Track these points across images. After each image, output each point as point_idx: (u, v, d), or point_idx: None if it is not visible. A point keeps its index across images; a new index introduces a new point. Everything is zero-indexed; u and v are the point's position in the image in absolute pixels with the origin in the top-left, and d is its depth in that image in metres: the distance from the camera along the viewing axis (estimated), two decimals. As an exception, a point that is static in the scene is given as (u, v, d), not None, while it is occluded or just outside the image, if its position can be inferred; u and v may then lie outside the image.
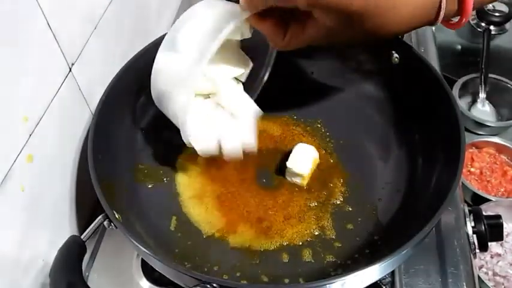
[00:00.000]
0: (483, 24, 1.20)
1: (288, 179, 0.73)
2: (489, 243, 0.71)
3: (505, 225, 0.84)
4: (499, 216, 0.71)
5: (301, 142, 0.76)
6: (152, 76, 0.63)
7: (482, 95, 1.10)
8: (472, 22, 1.23)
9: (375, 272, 0.54)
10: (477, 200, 0.91)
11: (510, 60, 1.18)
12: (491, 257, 0.86)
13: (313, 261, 0.65)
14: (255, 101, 0.71)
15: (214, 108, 0.70)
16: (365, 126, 0.81)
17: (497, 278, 0.83)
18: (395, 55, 0.76)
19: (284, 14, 0.57)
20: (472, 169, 0.99)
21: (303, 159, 0.72)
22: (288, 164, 0.71)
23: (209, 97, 0.70)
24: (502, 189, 0.96)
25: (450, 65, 1.14)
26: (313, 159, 0.73)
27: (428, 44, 1.01)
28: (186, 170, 0.76)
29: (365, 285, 0.56)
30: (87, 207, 0.71)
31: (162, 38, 0.77)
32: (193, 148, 0.67)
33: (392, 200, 0.70)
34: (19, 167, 0.55)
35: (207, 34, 0.58)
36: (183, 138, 0.64)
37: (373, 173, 0.75)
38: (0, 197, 0.53)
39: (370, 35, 0.53)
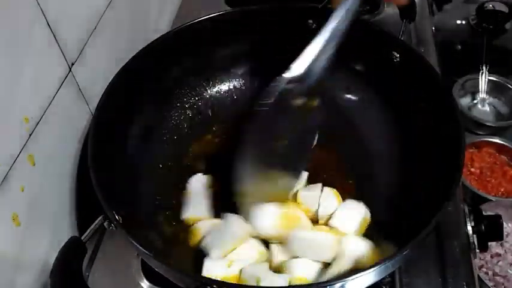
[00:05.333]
0: (483, 24, 1.19)
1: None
2: (489, 243, 0.71)
3: (505, 225, 0.85)
4: (499, 216, 0.71)
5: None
6: None
7: (482, 95, 1.10)
8: (472, 22, 1.23)
9: (375, 273, 0.53)
10: (477, 200, 0.91)
11: (510, 60, 1.18)
12: (491, 257, 0.86)
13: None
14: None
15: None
16: (365, 126, 0.81)
17: (497, 278, 0.83)
18: (396, 55, 0.76)
19: None
20: (472, 169, 0.99)
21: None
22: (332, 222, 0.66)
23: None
24: (502, 189, 0.96)
25: (450, 65, 1.14)
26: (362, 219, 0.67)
27: (428, 44, 1.01)
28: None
29: (365, 286, 0.56)
30: (87, 207, 0.71)
31: (161, 37, 0.78)
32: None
33: (392, 200, 0.70)
34: (19, 167, 0.55)
35: None
36: None
37: (373, 173, 0.75)
38: (0, 197, 0.53)
39: None
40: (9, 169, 0.54)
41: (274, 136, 0.63)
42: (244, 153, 0.60)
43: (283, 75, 0.60)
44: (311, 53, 0.61)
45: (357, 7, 0.62)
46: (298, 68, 0.61)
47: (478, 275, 0.74)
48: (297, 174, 0.69)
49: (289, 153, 0.65)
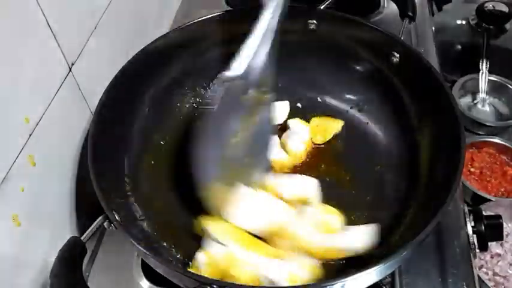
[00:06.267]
0: (483, 24, 1.19)
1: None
2: (489, 243, 0.71)
3: (505, 225, 0.85)
4: (499, 216, 0.71)
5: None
6: None
7: (482, 95, 1.10)
8: (472, 22, 1.23)
9: (375, 273, 0.53)
10: (477, 200, 0.91)
11: (510, 60, 1.18)
12: (491, 257, 0.86)
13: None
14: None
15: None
16: (365, 127, 0.81)
17: (497, 278, 0.83)
18: (396, 55, 0.76)
19: None
20: (472, 169, 0.99)
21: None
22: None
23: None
24: (502, 189, 0.96)
25: (450, 65, 1.14)
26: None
27: (428, 44, 1.01)
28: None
29: (365, 286, 0.56)
30: (87, 207, 0.71)
31: (161, 38, 0.78)
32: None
33: (392, 200, 0.70)
34: (19, 167, 0.55)
35: None
36: None
37: (373, 172, 0.75)
38: (0, 197, 0.53)
39: None
40: (9, 169, 0.54)
41: (231, 134, 0.65)
42: (202, 155, 0.63)
43: (225, 73, 0.63)
44: (249, 50, 0.64)
45: (285, 2, 0.65)
46: (238, 66, 0.63)
47: (478, 275, 0.74)
48: (261, 168, 0.71)
49: (250, 148, 0.68)
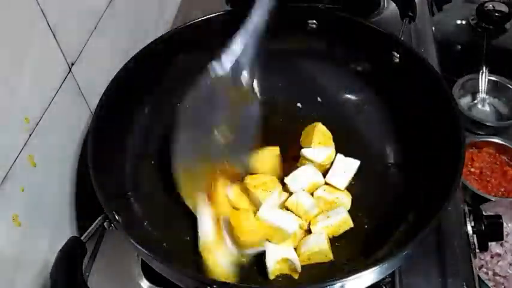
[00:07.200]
0: (483, 24, 1.19)
1: None
2: (489, 243, 0.71)
3: (505, 225, 0.85)
4: (499, 216, 0.71)
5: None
6: None
7: (482, 95, 1.10)
8: (472, 22, 1.22)
9: (375, 273, 0.54)
10: (477, 200, 0.91)
11: (510, 60, 1.18)
12: (491, 257, 0.86)
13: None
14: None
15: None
16: (365, 127, 0.81)
17: (497, 278, 0.83)
18: (396, 55, 0.76)
19: None
20: (472, 169, 0.99)
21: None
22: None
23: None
24: (502, 189, 0.96)
25: (450, 65, 1.14)
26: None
27: (428, 44, 1.01)
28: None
29: (365, 286, 0.56)
30: (87, 207, 0.71)
31: (161, 37, 0.78)
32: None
33: (392, 200, 0.70)
34: (19, 167, 0.55)
35: None
36: None
37: (373, 172, 0.75)
38: (0, 197, 0.53)
39: None
40: (9, 169, 0.54)
41: (212, 126, 0.67)
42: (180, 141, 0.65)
43: (213, 66, 0.65)
44: (237, 45, 0.65)
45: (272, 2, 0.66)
46: (226, 61, 0.65)
47: (478, 275, 0.74)
48: (241, 165, 0.72)
49: (232, 144, 0.68)
